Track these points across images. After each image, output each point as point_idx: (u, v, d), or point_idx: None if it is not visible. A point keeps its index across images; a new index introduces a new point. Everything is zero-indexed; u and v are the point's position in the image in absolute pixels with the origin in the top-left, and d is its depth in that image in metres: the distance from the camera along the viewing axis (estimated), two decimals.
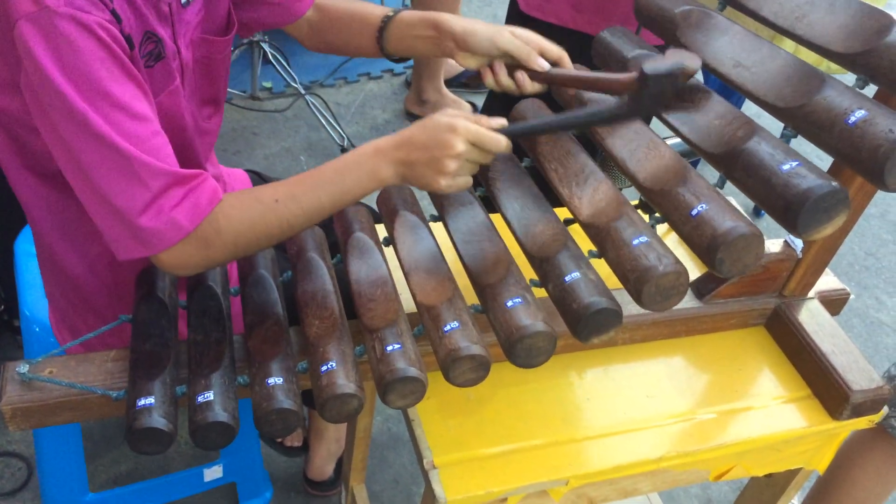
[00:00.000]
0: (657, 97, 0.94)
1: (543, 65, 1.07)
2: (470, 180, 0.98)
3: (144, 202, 0.90)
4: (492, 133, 0.95)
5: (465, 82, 3.15)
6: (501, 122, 0.98)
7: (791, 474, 1.30)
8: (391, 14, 1.20)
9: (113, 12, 0.90)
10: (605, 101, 1.03)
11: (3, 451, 1.87)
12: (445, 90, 2.95)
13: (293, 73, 2.84)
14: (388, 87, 3.18)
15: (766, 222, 2.73)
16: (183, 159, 1.12)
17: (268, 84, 3.02)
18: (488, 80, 1.12)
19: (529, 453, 1.08)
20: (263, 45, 2.77)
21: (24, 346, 1.49)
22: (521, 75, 1.09)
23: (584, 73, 1.06)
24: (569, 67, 1.08)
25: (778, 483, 1.35)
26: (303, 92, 2.82)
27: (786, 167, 0.84)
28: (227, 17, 1.16)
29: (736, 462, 1.19)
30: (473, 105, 3.01)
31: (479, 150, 0.95)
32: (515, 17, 1.82)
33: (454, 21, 1.11)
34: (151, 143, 0.92)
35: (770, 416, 1.18)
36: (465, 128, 0.94)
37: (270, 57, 2.79)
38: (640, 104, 0.95)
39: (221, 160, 2.52)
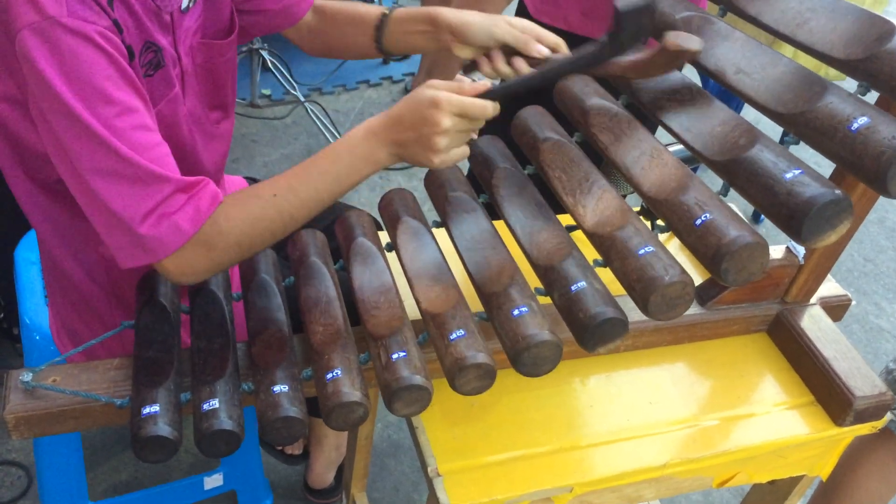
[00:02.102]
0: (634, 34, 0.95)
1: (542, 51, 1.07)
2: (466, 150, 0.97)
3: (147, 209, 0.90)
4: (476, 100, 0.94)
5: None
6: (485, 85, 0.97)
7: (794, 481, 1.30)
8: (387, 12, 1.20)
9: (115, 22, 0.90)
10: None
11: (3, 460, 1.86)
12: None
13: (292, 81, 2.84)
14: (387, 95, 3.19)
15: (766, 228, 2.74)
16: (183, 167, 1.12)
17: (267, 91, 3.02)
18: (485, 68, 1.11)
19: (533, 460, 1.08)
20: (263, 52, 2.78)
21: (24, 354, 1.49)
22: (520, 62, 1.08)
23: (579, 58, 1.05)
24: (566, 54, 1.08)
25: (781, 489, 1.35)
26: (302, 99, 2.83)
27: (789, 175, 0.84)
28: (230, 20, 1.16)
29: (739, 469, 1.19)
30: None
31: (467, 120, 0.94)
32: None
33: (450, 13, 1.11)
34: (154, 151, 0.91)
35: (773, 422, 1.18)
36: (448, 100, 0.92)
37: (269, 64, 2.80)
38: (618, 43, 0.96)
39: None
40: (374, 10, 1.21)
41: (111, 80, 0.88)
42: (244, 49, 2.77)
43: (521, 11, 1.80)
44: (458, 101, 0.93)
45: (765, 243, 0.85)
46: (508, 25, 1.09)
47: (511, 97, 0.99)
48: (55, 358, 1.05)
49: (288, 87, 2.84)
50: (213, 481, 1.71)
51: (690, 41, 0.94)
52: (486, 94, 0.96)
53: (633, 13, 0.93)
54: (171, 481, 1.78)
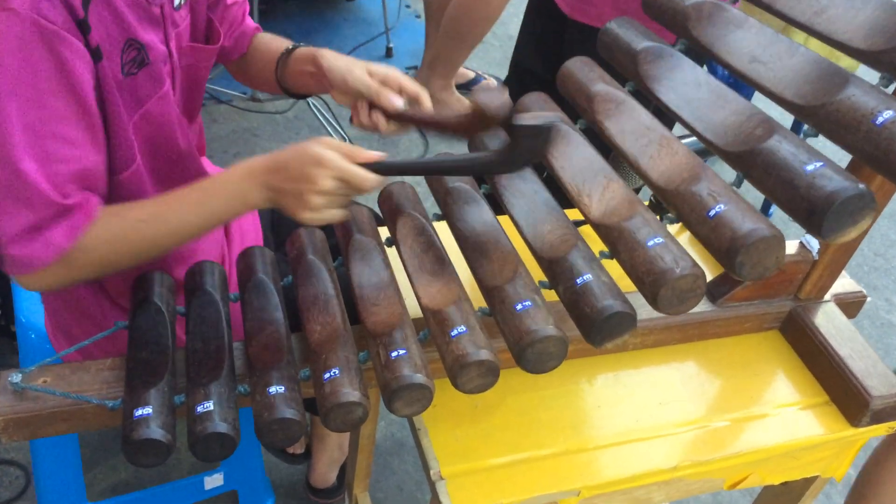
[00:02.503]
0: (530, 152, 0.95)
1: (395, 103, 1.03)
2: (339, 214, 0.95)
3: (21, 227, 0.90)
4: (360, 171, 0.92)
5: (475, 89, 3.13)
6: (377, 156, 0.94)
7: (807, 482, 1.27)
8: (290, 48, 1.18)
9: (81, 22, 0.87)
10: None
11: (1, 459, 1.84)
12: (454, 89, 2.92)
13: None
14: None
15: (776, 221, 2.70)
16: (173, 169, 1.09)
17: None
18: (354, 119, 1.09)
19: (539, 463, 1.05)
20: None
21: (19, 353, 1.46)
22: (375, 115, 1.06)
23: (434, 116, 1.03)
24: (426, 106, 1.05)
25: (793, 491, 1.31)
26: None
27: (810, 168, 0.80)
28: (207, 28, 1.14)
29: (751, 471, 1.16)
30: None
31: (348, 186, 0.92)
32: (551, 18, 1.79)
33: (328, 57, 1.09)
34: (59, 167, 0.90)
35: (786, 423, 1.15)
36: (333, 163, 0.90)
37: None
38: (512, 158, 0.95)
39: (221, 162, 2.50)
40: (282, 45, 1.20)
41: (50, 83, 0.86)
42: None
43: (546, 8, 1.76)
44: (343, 166, 0.91)
45: (781, 236, 0.81)
46: (364, 73, 1.05)
47: (395, 175, 0.97)
48: (51, 357, 1.01)
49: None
50: (214, 481, 1.69)
51: (494, 105, 0.92)
52: (373, 166, 0.94)
53: (529, 130, 0.92)
54: (171, 481, 1.75)
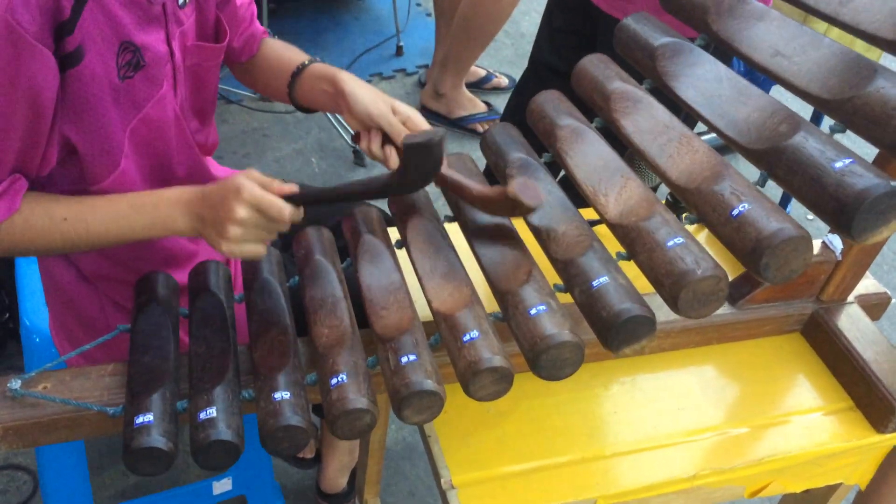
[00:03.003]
0: (419, 169, 0.95)
1: None
2: (259, 249, 0.93)
3: None
4: (275, 200, 0.90)
5: (484, 88, 3.10)
6: (291, 188, 0.93)
7: (830, 490, 1.23)
8: (306, 62, 1.17)
9: (62, 25, 0.84)
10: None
11: (8, 464, 1.83)
12: (464, 87, 2.90)
13: None
14: (400, 87, 3.13)
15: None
16: (172, 172, 1.07)
17: None
18: (362, 144, 1.09)
19: (554, 471, 1.02)
20: None
21: (24, 356, 1.45)
22: (389, 151, 1.06)
23: (454, 175, 1.03)
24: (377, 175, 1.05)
25: (815, 498, 1.28)
26: None
27: (838, 165, 0.76)
28: (216, 25, 1.12)
29: (773, 478, 1.12)
30: (489, 105, 2.95)
31: (265, 218, 0.90)
32: (578, 12, 1.76)
33: (347, 81, 1.08)
34: None
35: (809, 429, 1.12)
36: (251, 192, 0.89)
37: None
38: (405, 177, 0.95)
39: (231, 163, 2.48)
40: (297, 58, 1.19)
41: (3, 72, 0.84)
42: None
43: (576, 4, 1.73)
44: (258, 195, 0.89)
45: (809, 237, 0.78)
46: (389, 110, 1.05)
47: (312, 204, 0.97)
48: (52, 363, 0.99)
49: None
50: (222, 486, 1.67)
51: (528, 196, 0.93)
52: (290, 197, 0.93)
53: (417, 148, 0.92)
54: (179, 486, 1.74)
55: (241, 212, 0.89)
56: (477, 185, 1.01)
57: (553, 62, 1.91)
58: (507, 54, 3.40)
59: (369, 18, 3.48)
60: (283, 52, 1.21)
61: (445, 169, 1.02)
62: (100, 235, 0.96)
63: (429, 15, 3.51)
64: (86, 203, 0.96)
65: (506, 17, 2.71)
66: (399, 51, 3.25)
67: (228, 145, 2.75)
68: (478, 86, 3.09)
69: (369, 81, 3.10)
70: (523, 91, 2.05)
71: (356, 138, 1.11)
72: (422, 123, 1.06)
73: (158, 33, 0.97)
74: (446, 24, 2.85)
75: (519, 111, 1.18)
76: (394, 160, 1.06)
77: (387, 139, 1.07)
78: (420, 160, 0.93)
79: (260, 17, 2.86)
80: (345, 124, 2.74)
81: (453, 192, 1.05)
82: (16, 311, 1.92)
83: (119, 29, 0.91)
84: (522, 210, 0.95)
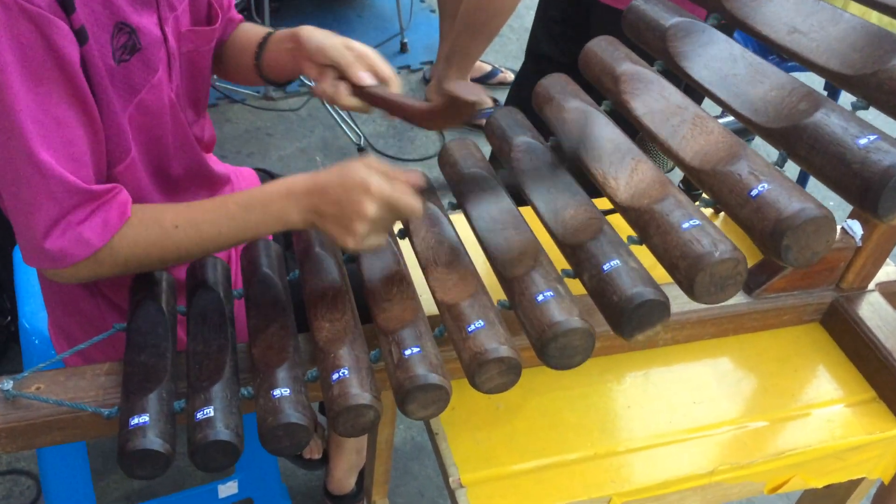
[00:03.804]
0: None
1: (363, 79, 1.00)
2: (382, 240, 0.91)
3: (52, 218, 0.86)
4: (408, 199, 0.88)
5: (490, 83, 3.07)
6: (419, 177, 0.91)
7: (852, 484, 1.19)
8: (272, 31, 1.14)
9: (64, 2, 0.81)
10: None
11: (11, 469, 1.81)
12: (470, 83, 2.86)
13: None
14: (405, 84, 3.10)
15: None
16: (170, 162, 1.04)
17: None
18: (316, 87, 1.05)
19: (566, 468, 0.98)
20: None
21: (23, 358, 1.42)
22: (340, 84, 1.02)
23: (399, 97, 1.01)
24: (395, 91, 1.03)
25: (837, 493, 1.23)
26: None
27: (862, 141, 0.72)
28: (209, 6, 1.09)
29: (793, 473, 1.08)
30: (495, 100, 2.91)
31: (393, 213, 0.88)
32: (572, 2, 1.73)
33: (308, 31, 1.05)
34: (74, 154, 0.86)
35: (830, 421, 1.07)
36: (380, 189, 0.86)
37: None
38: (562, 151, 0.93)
39: (235, 162, 2.45)
40: (261, 30, 1.15)
41: (44, 69, 0.82)
42: None
43: None
44: (389, 194, 0.87)
45: (832, 217, 0.74)
46: (343, 46, 1.02)
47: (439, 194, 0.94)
48: (45, 362, 0.96)
49: (302, 78, 2.75)
50: (228, 489, 1.64)
51: (469, 93, 0.91)
52: (420, 192, 0.90)
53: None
54: (184, 489, 1.71)
55: (372, 209, 0.86)
56: (416, 101, 0.97)
57: (550, 52, 1.88)
58: (512, 49, 3.37)
59: (373, 15, 3.45)
60: (250, 31, 1.18)
61: (379, 88, 1.00)
62: (212, 240, 0.93)
63: (433, 11, 3.48)
64: (192, 208, 0.94)
65: (510, 11, 2.66)
66: (403, 48, 3.22)
67: (232, 144, 2.73)
68: (483, 81, 3.05)
69: None
70: (523, 84, 2.02)
71: (313, 89, 1.08)
72: (377, 60, 1.03)
73: (151, 16, 0.94)
74: (450, 20, 2.82)
75: (519, 105, 1.15)
76: (342, 96, 1.02)
77: (340, 78, 1.03)
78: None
79: (262, 15, 2.84)
80: (349, 122, 2.71)
81: (392, 112, 1.01)
82: (17, 313, 1.90)
83: (113, 9, 0.88)
84: (466, 109, 0.91)
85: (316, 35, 1.04)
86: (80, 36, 0.84)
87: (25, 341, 1.38)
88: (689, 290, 0.78)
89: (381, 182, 0.86)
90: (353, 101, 1.02)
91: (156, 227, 0.92)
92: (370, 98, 1.01)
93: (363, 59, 1.02)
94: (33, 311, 1.37)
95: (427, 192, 0.91)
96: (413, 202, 0.88)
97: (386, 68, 1.03)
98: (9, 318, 1.94)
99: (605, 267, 0.82)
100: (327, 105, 2.73)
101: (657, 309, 0.80)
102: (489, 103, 0.91)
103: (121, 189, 0.92)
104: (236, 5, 2.69)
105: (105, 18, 0.87)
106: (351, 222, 0.87)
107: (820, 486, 1.13)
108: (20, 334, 1.41)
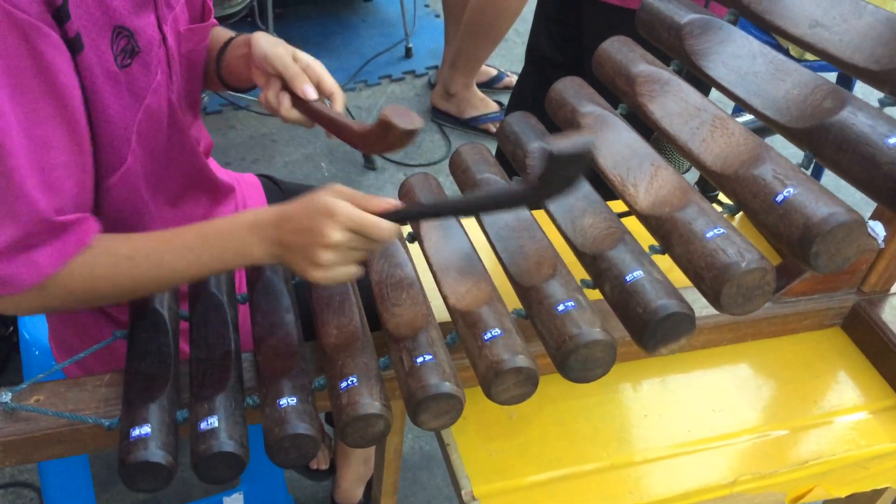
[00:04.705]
0: (562, 180, 0.83)
1: (307, 93, 0.97)
2: (353, 271, 0.84)
3: (8, 242, 0.80)
4: (375, 220, 0.81)
5: (496, 87, 3.04)
6: (392, 204, 0.84)
7: (876, 494, 1.16)
8: (234, 36, 1.10)
9: (58, 10, 0.77)
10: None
11: (14, 482, 1.78)
12: (475, 87, 2.84)
13: None
14: (410, 89, 3.07)
15: None
16: (171, 170, 1.01)
17: None
18: (261, 96, 1.02)
19: (582, 480, 0.96)
20: None
21: (23, 370, 1.39)
22: (283, 96, 0.99)
23: (340, 117, 0.97)
24: (338, 107, 0.99)
25: (859, 503, 1.20)
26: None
27: (892, 141, 0.70)
28: (203, 3, 1.06)
29: (816, 483, 1.05)
30: (501, 104, 2.89)
31: (362, 239, 0.81)
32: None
33: (257, 37, 1.02)
34: (57, 179, 0.81)
35: (854, 429, 1.05)
36: (346, 213, 0.80)
37: None
38: (550, 187, 0.83)
39: (239, 168, 2.43)
40: (224, 35, 1.11)
41: (32, 82, 0.77)
42: None
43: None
44: (357, 216, 0.80)
45: (862, 221, 0.71)
46: (288, 55, 0.99)
47: (417, 220, 0.89)
48: (44, 373, 0.93)
49: None
50: (234, 501, 1.62)
51: (403, 120, 0.87)
52: (390, 215, 0.83)
53: (565, 159, 0.80)
54: (190, 501, 1.68)
55: (336, 235, 0.79)
56: (354, 123, 0.94)
57: (549, 53, 1.86)
58: (518, 53, 3.34)
59: (377, 20, 3.43)
60: (216, 34, 1.13)
61: (321, 105, 0.97)
62: (168, 274, 0.87)
63: (437, 16, 3.45)
64: (150, 238, 0.88)
65: (516, 14, 2.65)
66: (408, 52, 3.20)
67: (237, 151, 2.70)
68: (489, 85, 3.03)
69: (378, 84, 3.05)
70: (524, 86, 2.00)
71: (259, 98, 1.04)
72: (323, 73, 0.99)
73: (149, 16, 0.91)
74: (455, 24, 2.80)
75: (522, 107, 1.12)
76: (285, 108, 0.99)
77: (284, 88, 1.00)
78: (567, 171, 0.81)
79: (265, 22, 2.82)
80: None
81: (331, 131, 0.98)
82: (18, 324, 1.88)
83: (111, 13, 0.85)
84: (401, 137, 0.88)
85: (263, 43, 1.00)
86: (75, 45, 0.80)
87: (26, 352, 1.36)
88: (716, 301, 0.75)
89: (346, 207, 0.80)
90: (294, 115, 0.99)
91: (107, 257, 0.86)
92: (311, 113, 0.98)
93: (308, 71, 0.98)
94: (34, 322, 1.35)
95: (401, 216, 0.85)
96: (384, 227, 0.81)
97: (331, 82, 0.99)
98: (10, 328, 1.92)
99: (628, 278, 0.79)
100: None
101: (683, 322, 0.77)
102: (419, 126, 0.88)
103: (87, 218, 0.86)
104: (239, 11, 2.68)
105: (103, 23, 0.84)
106: (313, 251, 0.81)
107: (843, 496, 1.10)
108: (21, 346, 1.38)
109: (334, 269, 0.82)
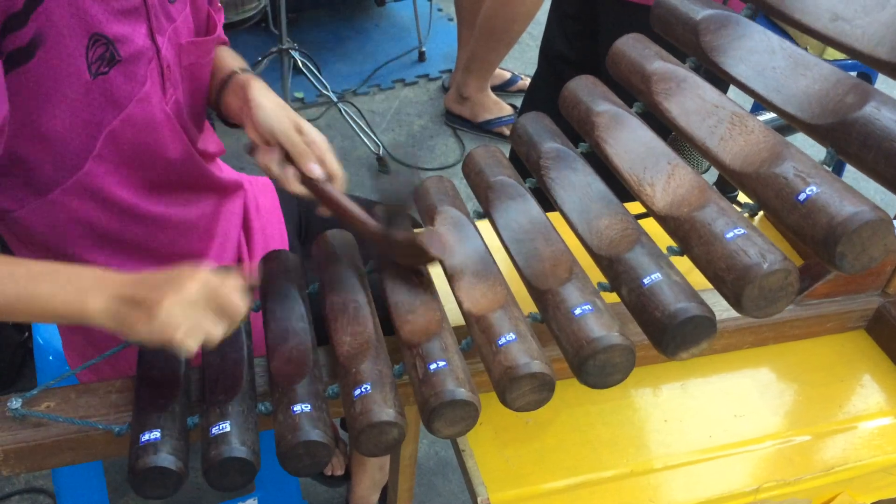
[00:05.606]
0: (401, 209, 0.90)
1: (314, 171, 0.95)
2: (190, 343, 0.77)
3: None
4: (234, 293, 0.79)
5: (510, 90, 3.03)
6: (251, 278, 0.84)
7: None
8: (238, 70, 1.06)
9: (12, 18, 0.76)
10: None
11: (30, 487, 1.77)
12: (489, 90, 2.82)
13: (325, 82, 2.72)
14: (424, 93, 3.06)
15: None
16: (168, 178, 1.00)
17: (300, 94, 2.91)
18: (258, 157, 0.98)
19: (600, 487, 0.94)
20: (294, 53, 2.66)
21: (37, 376, 1.39)
22: (291, 171, 0.96)
23: (347, 201, 0.95)
24: (339, 186, 0.97)
25: None
26: (335, 100, 2.71)
27: None
28: (207, 17, 1.05)
29: (841, 489, 1.03)
30: (515, 108, 2.87)
31: (215, 307, 0.78)
32: None
33: (256, 88, 1.00)
34: None
35: (879, 434, 1.03)
36: (207, 279, 0.78)
37: (301, 66, 2.68)
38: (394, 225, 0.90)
39: (254, 173, 2.43)
40: (229, 66, 1.08)
41: None
42: (274, 50, 2.66)
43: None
44: (217, 282, 0.78)
45: (889, 219, 0.69)
46: (294, 129, 0.96)
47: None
48: (55, 379, 0.92)
49: (321, 89, 2.72)
50: None
51: (436, 247, 0.90)
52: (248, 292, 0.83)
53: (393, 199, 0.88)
54: None
55: (192, 290, 0.76)
56: (368, 218, 0.93)
57: (564, 51, 1.84)
58: (531, 56, 3.32)
59: (391, 25, 3.42)
60: (224, 60, 1.11)
61: (333, 190, 0.95)
62: (3, 297, 0.79)
63: (451, 20, 3.44)
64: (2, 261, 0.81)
65: (530, 17, 2.63)
66: (421, 56, 3.19)
67: (250, 158, 2.70)
68: (503, 88, 3.01)
69: (392, 88, 3.04)
70: (538, 86, 1.98)
71: (250, 149, 1.00)
72: (327, 152, 0.96)
73: (139, 26, 0.89)
74: (469, 28, 2.78)
75: (535, 107, 1.10)
76: (292, 184, 0.96)
77: (287, 158, 0.98)
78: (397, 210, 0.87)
79: (279, 27, 2.82)
80: (368, 131, 2.68)
81: (340, 218, 0.95)
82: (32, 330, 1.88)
83: (87, 20, 0.83)
84: (422, 257, 0.91)
85: (265, 105, 0.98)
86: (20, 55, 0.78)
87: (39, 358, 1.35)
88: (737, 304, 0.73)
89: (210, 275, 0.78)
90: (302, 190, 0.96)
91: None
92: (320, 194, 0.96)
93: (313, 147, 0.96)
94: (48, 328, 1.35)
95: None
96: (238, 300, 0.79)
97: (334, 162, 0.97)
98: (25, 334, 1.92)
99: (646, 281, 0.77)
100: (346, 115, 2.69)
101: (703, 325, 0.75)
102: (443, 258, 0.91)
103: None
104: (253, 16, 2.67)
105: (79, 30, 0.82)
106: (164, 304, 0.75)
107: (868, 502, 1.08)
108: (34, 351, 1.38)
109: (175, 328, 0.76)
